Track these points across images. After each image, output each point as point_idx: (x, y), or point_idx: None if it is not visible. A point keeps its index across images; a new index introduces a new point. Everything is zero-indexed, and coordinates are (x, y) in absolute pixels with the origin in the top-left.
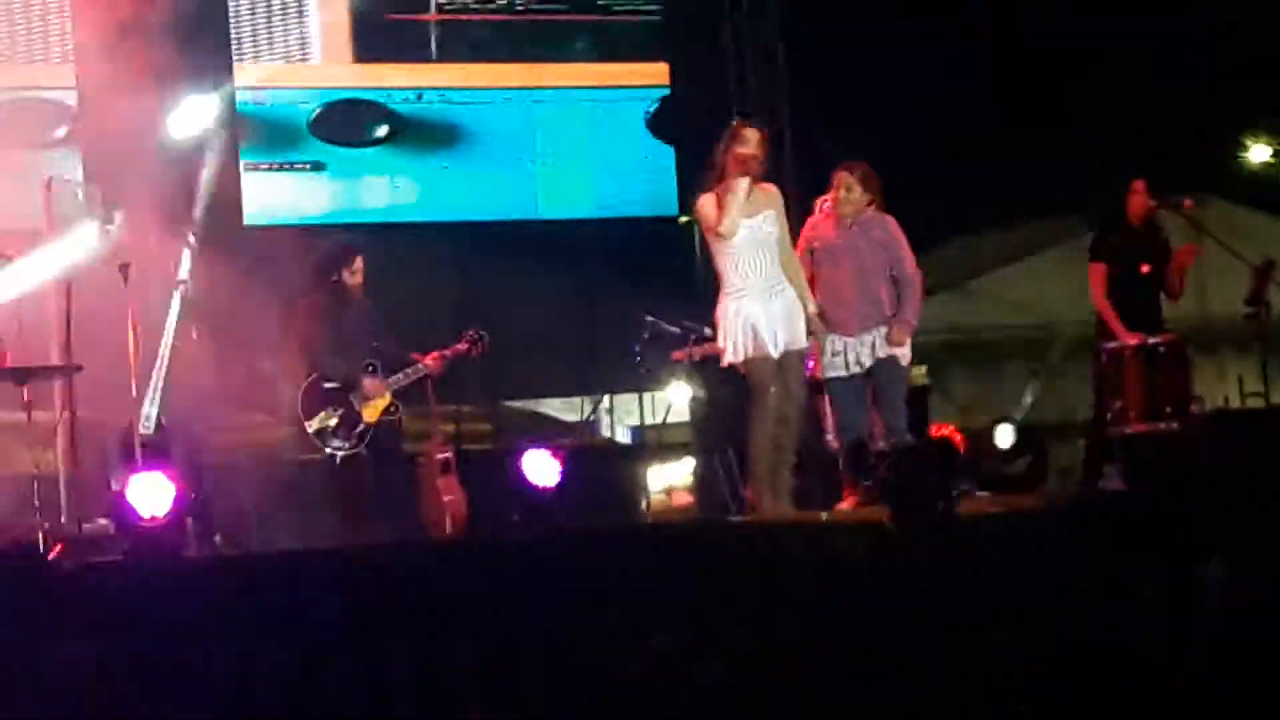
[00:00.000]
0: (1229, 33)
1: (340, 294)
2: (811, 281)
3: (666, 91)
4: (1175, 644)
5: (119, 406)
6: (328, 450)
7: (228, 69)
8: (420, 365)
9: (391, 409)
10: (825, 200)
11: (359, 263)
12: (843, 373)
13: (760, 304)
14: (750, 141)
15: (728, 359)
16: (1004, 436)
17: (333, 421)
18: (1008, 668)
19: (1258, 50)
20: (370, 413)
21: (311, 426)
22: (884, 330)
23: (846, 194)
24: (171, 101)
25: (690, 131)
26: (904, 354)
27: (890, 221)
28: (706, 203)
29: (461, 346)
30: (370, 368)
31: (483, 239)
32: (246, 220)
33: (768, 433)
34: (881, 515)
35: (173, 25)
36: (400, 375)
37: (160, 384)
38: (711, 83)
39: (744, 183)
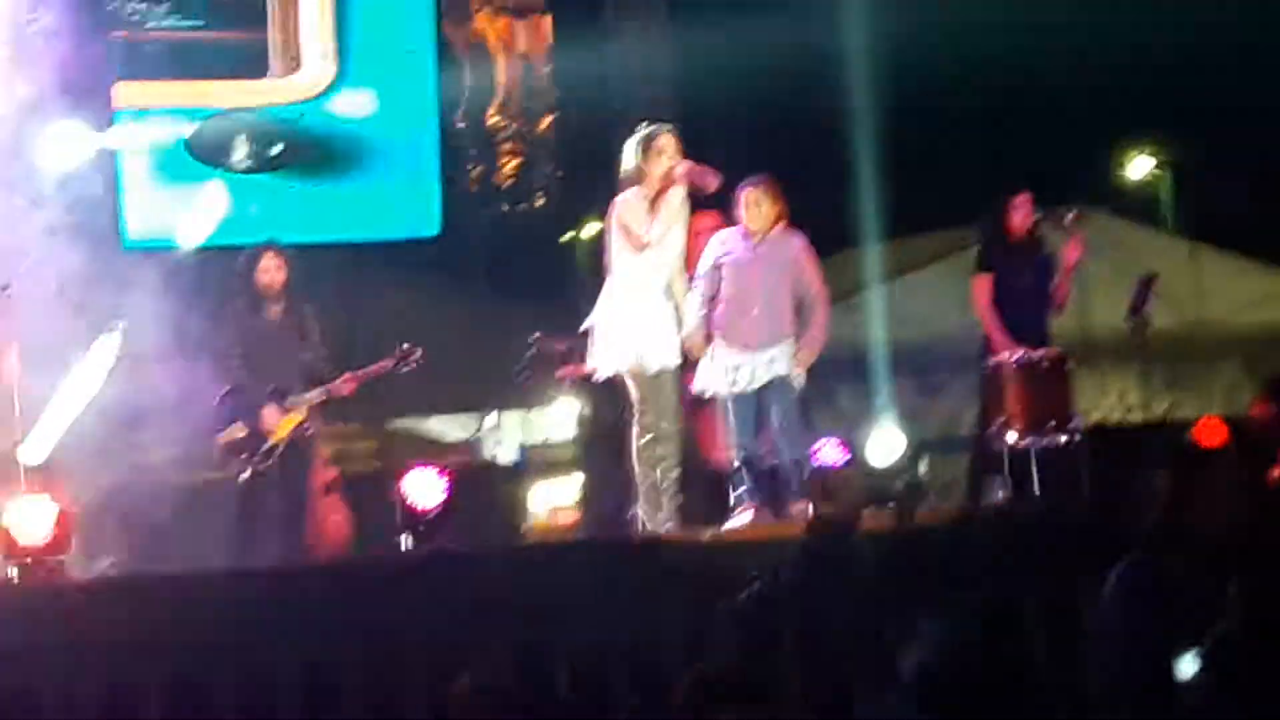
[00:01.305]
0: (1111, 48)
1: (254, 300)
2: (714, 298)
3: None
4: (1062, 660)
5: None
6: (234, 467)
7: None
8: (336, 386)
9: (304, 425)
10: (708, 218)
11: (267, 260)
12: (740, 389)
13: (643, 318)
14: (670, 149)
15: (605, 369)
16: (885, 444)
17: (240, 438)
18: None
19: (1139, 63)
20: (280, 429)
21: (220, 440)
22: (784, 348)
23: (756, 210)
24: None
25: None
26: (799, 374)
27: (800, 240)
28: (633, 208)
29: (387, 364)
30: (284, 382)
31: (365, 257)
32: (130, 240)
33: (647, 448)
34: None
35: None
36: (316, 393)
37: (66, 415)
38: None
39: (682, 194)
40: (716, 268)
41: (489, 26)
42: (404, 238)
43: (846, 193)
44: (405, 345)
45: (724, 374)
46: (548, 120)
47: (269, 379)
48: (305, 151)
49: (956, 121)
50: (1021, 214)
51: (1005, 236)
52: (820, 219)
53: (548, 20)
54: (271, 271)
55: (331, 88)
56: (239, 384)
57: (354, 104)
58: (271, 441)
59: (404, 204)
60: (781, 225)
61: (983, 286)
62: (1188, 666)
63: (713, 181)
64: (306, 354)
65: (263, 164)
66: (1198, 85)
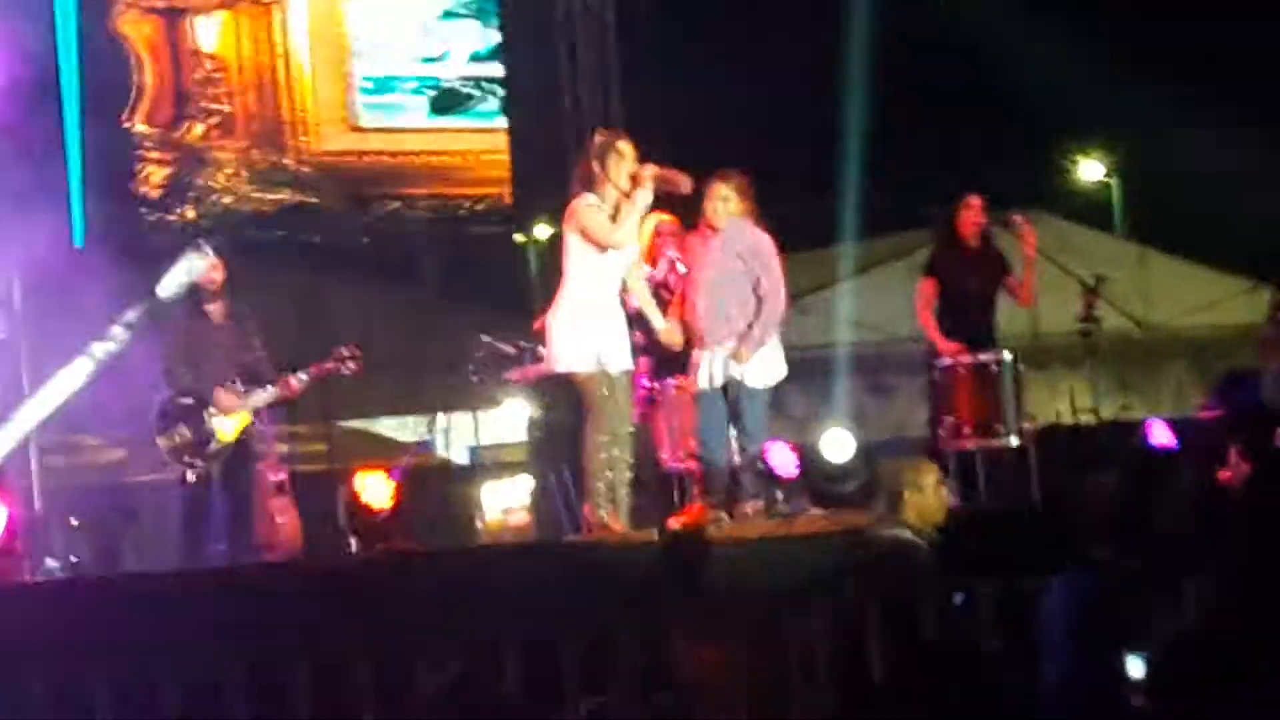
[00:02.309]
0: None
1: (196, 303)
2: (681, 297)
3: None
4: (1014, 660)
5: None
6: (180, 469)
7: None
8: (282, 386)
9: (250, 427)
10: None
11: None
12: (703, 387)
13: (603, 320)
14: (629, 155)
15: (561, 368)
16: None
17: (184, 439)
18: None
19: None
20: (226, 431)
21: (163, 444)
22: (732, 345)
23: (723, 205)
24: None
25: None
26: (754, 371)
27: (758, 235)
28: (595, 211)
29: (330, 365)
30: (227, 383)
31: (312, 256)
32: None
33: (603, 450)
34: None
35: None
36: (262, 393)
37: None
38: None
39: (648, 198)
40: (675, 265)
41: (134, 28)
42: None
43: (798, 197)
44: (347, 346)
45: (692, 372)
46: (200, 127)
47: (212, 381)
48: None
49: (907, 126)
50: (972, 217)
51: (956, 240)
52: (771, 223)
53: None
54: (217, 274)
55: None
56: (183, 387)
57: None
58: (218, 443)
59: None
60: (747, 221)
61: (926, 288)
62: (1135, 667)
63: (685, 184)
64: (247, 355)
65: None
66: (1146, 90)
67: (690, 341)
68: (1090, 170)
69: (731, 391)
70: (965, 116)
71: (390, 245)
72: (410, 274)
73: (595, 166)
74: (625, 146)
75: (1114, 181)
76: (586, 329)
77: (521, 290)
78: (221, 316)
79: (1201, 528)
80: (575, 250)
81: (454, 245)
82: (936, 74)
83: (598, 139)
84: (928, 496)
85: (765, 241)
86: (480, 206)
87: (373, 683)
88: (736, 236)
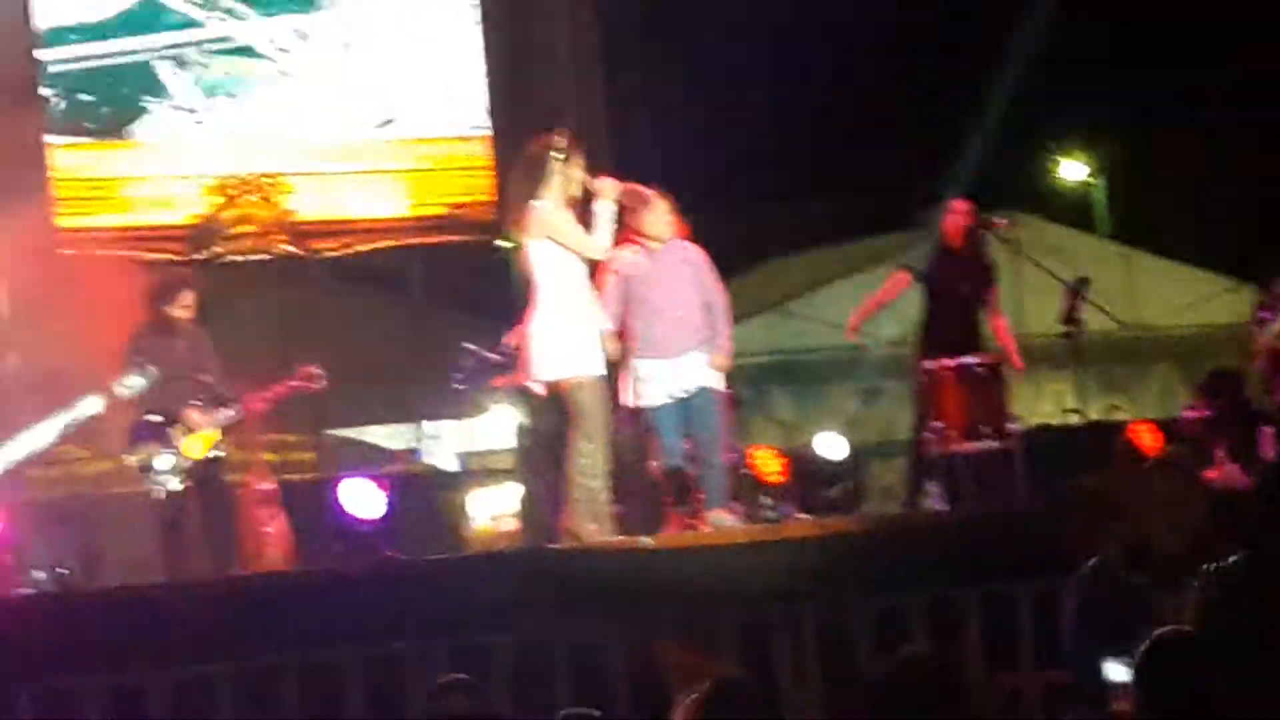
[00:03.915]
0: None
1: (166, 325)
2: (625, 311)
3: None
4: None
5: None
6: (152, 485)
7: None
8: (244, 405)
9: (219, 446)
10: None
11: (189, 298)
12: (664, 399)
13: (582, 324)
14: (582, 163)
15: (548, 375)
16: (829, 446)
17: (155, 457)
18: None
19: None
20: (195, 449)
21: (132, 460)
22: (700, 355)
23: (665, 220)
24: None
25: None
26: (719, 379)
27: (697, 247)
28: (564, 219)
29: (294, 383)
30: (197, 402)
31: (301, 267)
32: None
33: (588, 457)
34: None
35: None
36: (230, 413)
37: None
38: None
39: (612, 208)
40: (624, 280)
41: None
42: None
43: (781, 201)
44: (311, 366)
45: (650, 384)
46: None
47: (180, 400)
48: None
49: (892, 128)
50: (960, 221)
51: (944, 243)
52: (757, 227)
53: None
54: (190, 308)
55: None
56: (150, 406)
57: None
58: (186, 460)
59: None
60: (679, 236)
61: (894, 280)
62: (1116, 672)
63: (646, 197)
64: (206, 377)
65: None
66: (1131, 91)
67: (624, 355)
68: (1073, 171)
69: (696, 400)
70: (949, 117)
71: (373, 254)
72: (394, 282)
73: (554, 175)
74: (578, 156)
75: (1097, 182)
76: (568, 335)
77: (506, 297)
78: (188, 339)
79: (1206, 533)
80: (543, 258)
81: (438, 252)
82: (920, 76)
83: (542, 142)
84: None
85: (704, 254)
86: (463, 214)
87: (363, 690)
88: (681, 249)
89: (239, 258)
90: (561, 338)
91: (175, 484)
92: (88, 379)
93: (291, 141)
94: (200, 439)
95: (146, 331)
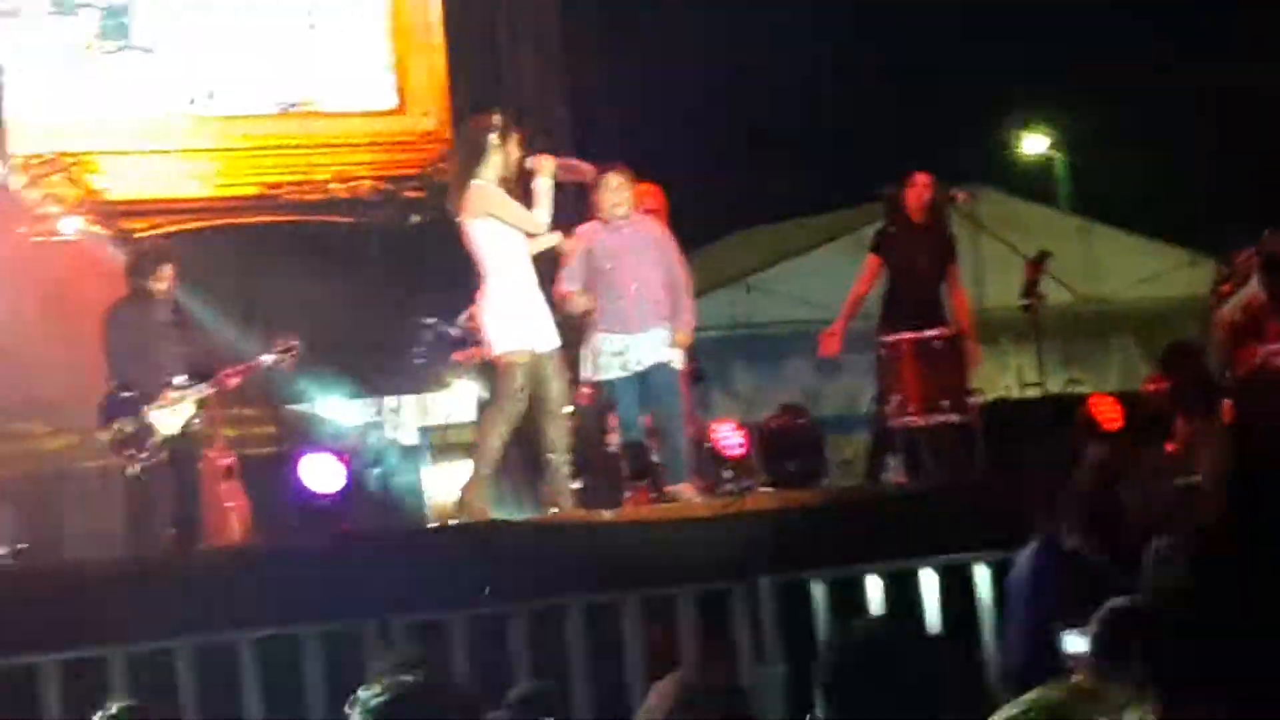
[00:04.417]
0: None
1: (144, 300)
2: (588, 285)
3: None
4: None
5: None
6: (123, 460)
7: None
8: (218, 381)
9: (194, 420)
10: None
11: (167, 270)
12: (622, 373)
13: (527, 301)
14: (519, 139)
15: (506, 348)
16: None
17: (125, 432)
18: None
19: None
20: (168, 425)
21: (104, 437)
22: (662, 331)
23: (620, 195)
24: None
25: None
26: (679, 356)
27: (659, 224)
28: (503, 196)
29: (266, 358)
30: (171, 378)
31: (261, 239)
32: None
33: (498, 439)
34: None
35: None
36: (203, 386)
37: None
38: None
39: (550, 184)
40: (587, 254)
41: None
42: None
43: (741, 176)
44: (282, 339)
45: (605, 358)
46: None
47: (156, 375)
48: None
49: (852, 102)
50: (920, 194)
51: (904, 216)
52: (716, 201)
53: None
54: (168, 281)
55: None
56: (126, 380)
57: None
58: (159, 437)
59: None
60: (639, 210)
61: (867, 267)
62: (1075, 643)
63: (588, 172)
64: (189, 349)
65: None
66: (1091, 63)
67: (587, 329)
68: (1034, 144)
69: (655, 376)
70: (910, 91)
71: (333, 229)
72: (353, 258)
73: (495, 152)
74: (517, 133)
75: (1058, 155)
76: (513, 312)
77: (465, 273)
78: (167, 313)
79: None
80: (486, 236)
81: (397, 228)
82: (881, 50)
83: (480, 123)
84: None
85: (666, 230)
86: (423, 189)
87: (324, 665)
88: (644, 226)
89: (39, 238)
90: (505, 315)
91: (148, 459)
92: None
93: (100, 120)
94: (174, 415)
95: (125, 305)
